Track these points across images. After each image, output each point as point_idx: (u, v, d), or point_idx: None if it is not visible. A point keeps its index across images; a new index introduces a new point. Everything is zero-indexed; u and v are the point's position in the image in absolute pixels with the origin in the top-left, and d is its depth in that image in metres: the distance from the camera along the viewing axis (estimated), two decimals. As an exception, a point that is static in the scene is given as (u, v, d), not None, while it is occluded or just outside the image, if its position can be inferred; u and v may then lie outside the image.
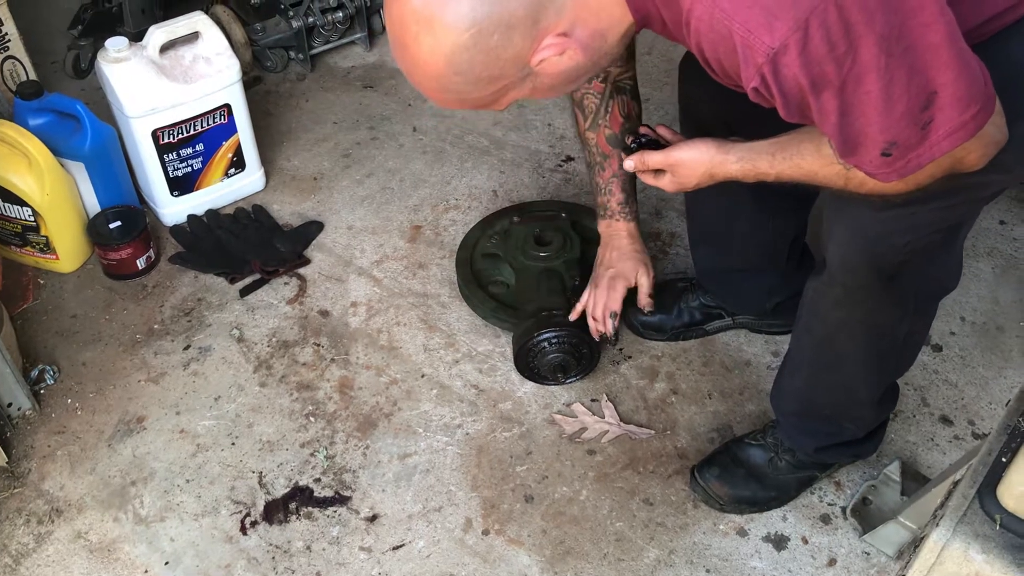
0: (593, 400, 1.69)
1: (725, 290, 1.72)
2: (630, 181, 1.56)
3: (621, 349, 1.77)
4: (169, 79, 1.82)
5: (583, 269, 1.76)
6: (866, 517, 1.50)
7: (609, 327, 1.60)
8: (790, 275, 1.67)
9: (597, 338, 1.63)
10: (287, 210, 2.07)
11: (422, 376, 1.73)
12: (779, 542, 1.49)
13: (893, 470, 1.53)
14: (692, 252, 1.73)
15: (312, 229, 2.00)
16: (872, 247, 1.12)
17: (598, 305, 1.59)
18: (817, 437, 1.45)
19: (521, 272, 1.77)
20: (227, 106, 1.90)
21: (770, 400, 1.52)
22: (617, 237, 1.59)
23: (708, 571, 1.46)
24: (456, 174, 2.16)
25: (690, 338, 1.78)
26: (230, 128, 1.94)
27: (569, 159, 2.18)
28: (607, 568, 1.46)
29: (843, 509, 1.53)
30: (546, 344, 1.63)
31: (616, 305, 1.59)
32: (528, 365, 1.67)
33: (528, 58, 0.92)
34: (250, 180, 2.05)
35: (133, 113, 1.80)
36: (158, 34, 1.81)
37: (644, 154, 1.23)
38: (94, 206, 1.91)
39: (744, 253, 1.60)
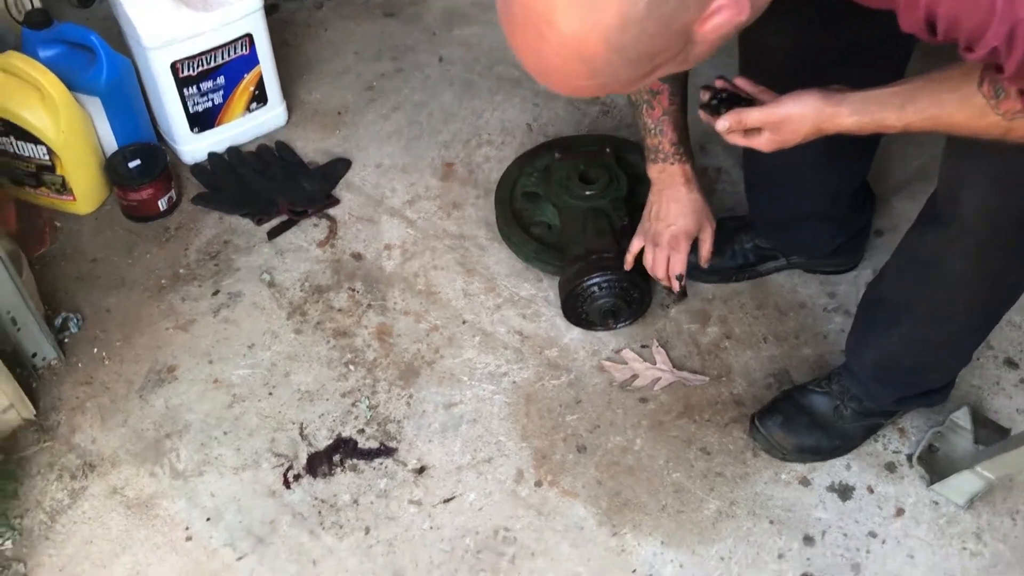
0: (643, 346, 1.62)
1: (784, 234, 1.64)
2: (679, 116, 1.44)
3: (670, 292, 1.69)
4: (188, 7, 1.70)
5: (631, 208, 1.67)
6: (933, 465, 1.45)
7: (676, 287, 1.52)
8: (852, 217, 1.58)
9: (675, 289, 1.55)
10: (311, 147, 1.96)
11: (463, 322, 1.66)
12: (844, 492, 1.44)
13: (961, 416, 1.47)
14: (748, 197, 1.64)
15: (339, 167, 1.90)
16: (1018, 196, 1.03)
17: (660, 265, 1.51)
18: (897, 388, 1.38)
19: (565, 212, 1.68)
20: (249, 36, 1.78)
21: (846, 350, 1.44)
22: (672, 185, 1.48)
23: (772, 522, 1.40)
24: (487, 107, 2.05)
25: (742, 280, 1.70)
26: (252, 59, 1.82)
27: (605, 91, 2.07)
28: (666, 520, 1.40)
29: (908, 457, 1.47)
30: (596, 289, 1.55)
31: (681, 267, 1.50)
32: (576, 311, 1.59)
33: (695, 25, 0.79)
34: (272, 115, 1.95)
35: (151, 44, 1.69)
36: (174, -42, 1.69)
37: (741, 112, 1.10)
38: (111, 144, 1.80)
39: (806, 200, 1.51)
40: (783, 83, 1.12)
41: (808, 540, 1.39)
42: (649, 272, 1.54)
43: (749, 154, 1.57)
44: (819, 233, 1.60)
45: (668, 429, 1.51)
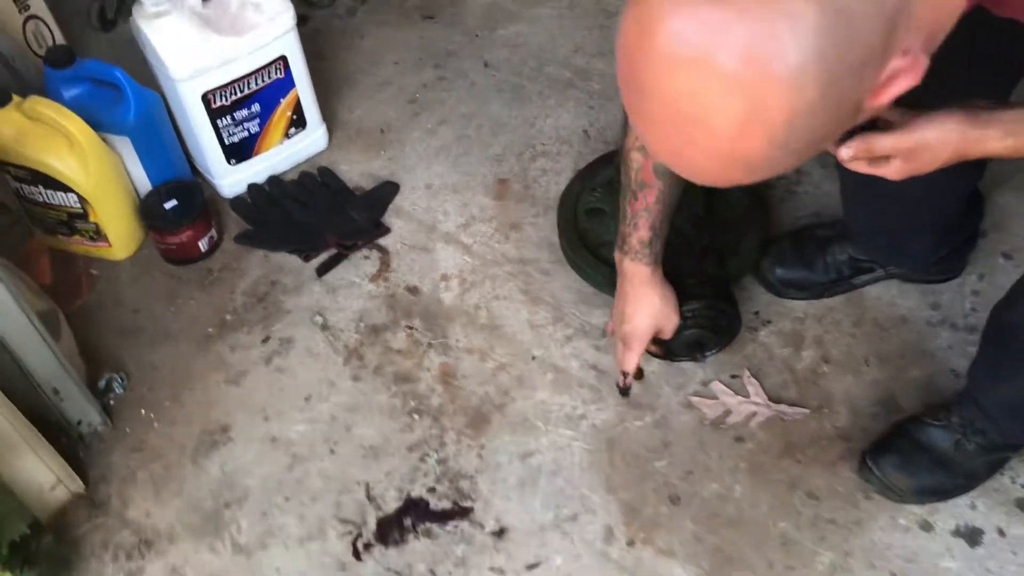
0: (733, 376, 1.48)
1: (885, 248, 1.48)
2: (662, 218, 1.28)
3: (758, 312, 1.54)
4: (216, 32, 1.57)
5: (710, 226, 1.52)
6: (1071, 502, 1.30)
7: (620, 382, 1.42)
8: (961, 223, 1.42)
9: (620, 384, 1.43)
10: (356, 170, 1.84)
11: (532, 358, 1.53)
12: (972, 536, 1.29)
13: (1099, 445, 1.32)
14: (846, 208, 1.47)
15: (387, 191, 1.77)
16: None
17: (616, 356, 1.40)
18: None
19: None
20: (283, 58, 1.65)
21: (971, 381, 1.29)
22: (631, 282, 1.34)
23: (893, 575, 1.26)
24: (539, 114, 1.91)
25: (835, 295, 1.55)
26: (287, 82, 1.70)
27: (666, 88, 1.92)
28: (776, 578, 1.27)
29: (1041, 492, 1.32)
30: (680, 319, 1.41)
31: (629, 366, 1.38)
32: (657, 343, 1.45)
33: (867, 98, 0.64)
34: (312, 139, 1.82)
35: (180, 75, 1.56)
36: (198, -20, 1.56)
37: (869, 139, 0.92)
38: (144, 183, 1.69)
39: (917, 212, 1.35)
40: None
41: (940, 595, 1.25)
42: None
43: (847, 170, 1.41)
44: (926, 244, 1.44)
45: (769, 472, 1.37)
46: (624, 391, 1.44)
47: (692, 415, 1.44)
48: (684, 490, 1.36)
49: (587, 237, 1.60)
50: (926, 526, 1.31)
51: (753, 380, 1.47)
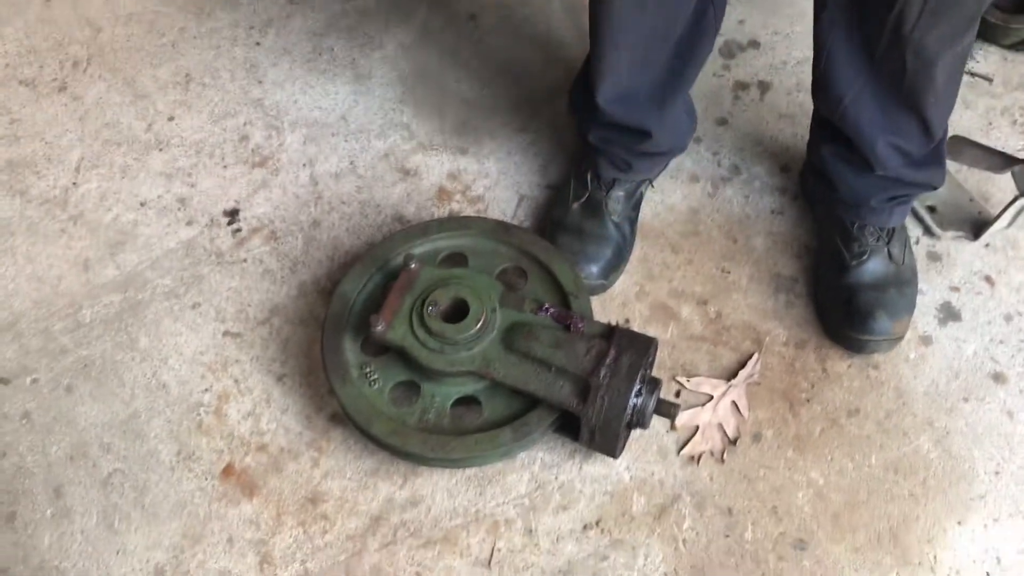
0: (677, 395, 1.23)
1: (658, 123, 1.25)
2: None
3: (616, 321, 1.27)
4: None
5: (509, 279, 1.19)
6: (942, 216, 1.35)
7: None
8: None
9: None
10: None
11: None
12: (948, 310, 1.29)
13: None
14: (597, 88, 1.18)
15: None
16: None
17: None
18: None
19: (493, 365, 1.11)
20: None
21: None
22: None
23: (965, 395, 1.21)
24: (142, 384, 1.28)
25: (633, 243, 1.34)
26: None
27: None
28: (939, 502, 1.14)
29: (926, 232, 1.35)
30: (636, 401, 1.08)
31: None
32: (627, 438, 1.14)
33: None
34: None
35: None
36: None
37: None
38: None
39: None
40: None
41: (999, 378, 1.23)
42: None
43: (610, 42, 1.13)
44: (681, 113, 1.30)
45: (809, 433, 1.19)
46: None
47: (705, 465, 1.17)
48: (793, 526, 1.12)
49: (439, 427, 1.13)
50: (927, 340, 1.26)
51: (695, 378, 1.23)
